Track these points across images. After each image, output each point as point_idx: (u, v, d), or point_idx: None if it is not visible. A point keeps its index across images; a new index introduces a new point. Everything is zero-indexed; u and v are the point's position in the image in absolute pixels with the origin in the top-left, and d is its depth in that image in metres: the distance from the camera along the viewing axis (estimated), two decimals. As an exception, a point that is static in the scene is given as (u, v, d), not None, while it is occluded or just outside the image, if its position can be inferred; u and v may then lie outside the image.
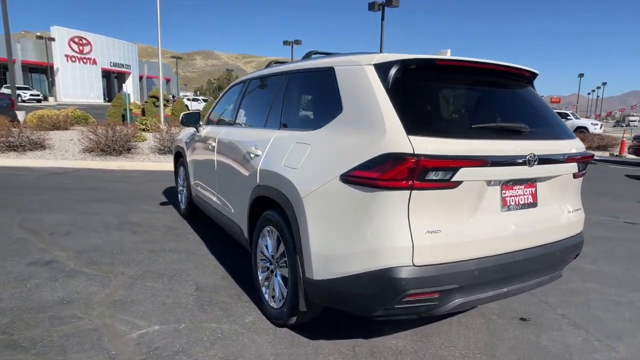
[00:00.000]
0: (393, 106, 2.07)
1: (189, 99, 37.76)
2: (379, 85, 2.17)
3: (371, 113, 2.13)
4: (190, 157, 4.76)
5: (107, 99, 52.02)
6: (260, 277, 3.01)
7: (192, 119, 4.50)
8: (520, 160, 2.17)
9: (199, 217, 5.24)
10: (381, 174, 1.95)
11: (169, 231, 4.75)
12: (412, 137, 1.95)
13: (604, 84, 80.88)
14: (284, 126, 2.88)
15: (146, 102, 23.28)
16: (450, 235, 2.05)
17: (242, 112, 3.70)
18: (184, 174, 5.28)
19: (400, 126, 1.99)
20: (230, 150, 3.51)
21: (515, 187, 2.26)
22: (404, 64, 2.18)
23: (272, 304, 2.81)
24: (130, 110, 18.05)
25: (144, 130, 13.00)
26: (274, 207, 2.77)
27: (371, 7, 22.11)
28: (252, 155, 3.06)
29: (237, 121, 3.74)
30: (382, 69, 2.21)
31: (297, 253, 2.40)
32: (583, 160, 2.53)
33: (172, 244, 4.33)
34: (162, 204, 6.03)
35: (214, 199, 3.98)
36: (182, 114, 4.52)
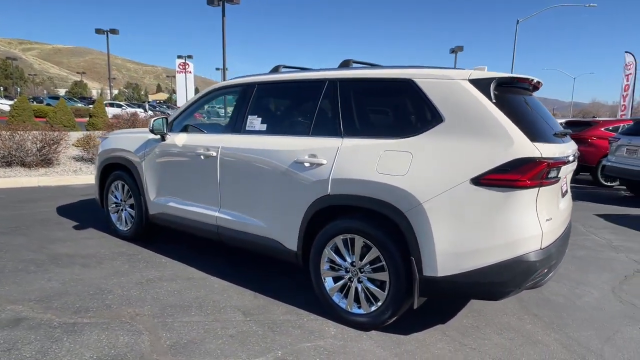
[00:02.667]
0: (507, 117, 2.43)
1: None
2: (484, 99, 2.49)
3: (486, 123, 2.43)
4: (152, 169, 4.10)
5: None
6: (328, 287, 2.97)
7: (162, 126, 3.91)
8: (573, 158, 2.81)
9: (153, 237, 4.55)
10: (522, 175, 2.30)
11: (130, 258, 4.03)
12: (535, 144, 2.36)
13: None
14: (350, 134, 2.89)
15: None
16: (553, 220, 2.55)
17: (255, 119, 3.44)
18: (124, 191, 4.50)
19: (523, 135, 2.37)
20: (256, 161, 3.27)
21: (562, 180, 2.90)
22: (499, 81, 2.56)
23: (359, 310, 2.84)
24: None
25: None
26: (355, 215, 2.81)
27: (210, 1, 21.45)
28: (307, 165, 2.97)
29: (247, 128, 3.46)
30: (480, 84, 2.54)
31: (412, 255, 2.54)
32: None
33: (154, 272, 3.72)
34: (77, 227, 4.95)
35: (215, 214, 3.60)
36: (154, 119, 3.87)
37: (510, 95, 2.67)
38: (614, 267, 4.26)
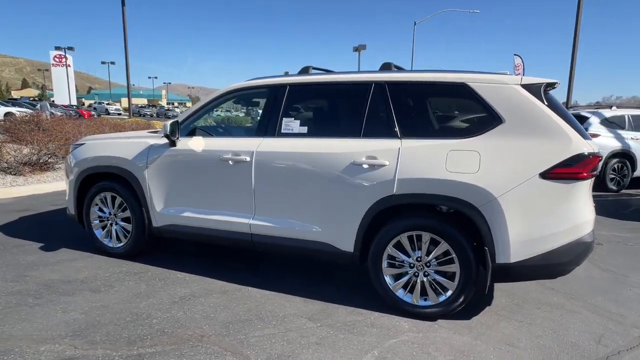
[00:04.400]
0: (561, 118, 2.78)
1: None
2: (539, 102, 2.82)
3: (546, 124, 2.76)
4: (159, 177, 3.71)
5: None
6: (391, 284, 3.07)
7: (174, 131, 3.58)
8: None
9: (153, 252, 4.14)
10: (583, 168, 2.67)
11: (140, 277, 3.64)
12: (587, 142, 2.75)
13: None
14: (408, 135, 3.01)
15: None
16: (594, 206, 2.98)
17: (291, 121, 3.34)
18: (114, 203, 4.01)
19: (577, 133, 2.75)
20: (304, 164, 3.20)
21: None
22: (546, 85, 2.91)
23: (427, 302, 2.99)
24: None
25: None
26: (422, 212, 2.96)
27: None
28: (366, 166, 3.02)
29: (282, 131, 3.36)
30: (531, 89, 2.86)
31: (486, 245, 2.77)
32: None
33: (180, 289, 3.42)
34: (46, 249, 4.27)
35: (249, 222, 3.43)
36: (169, 122, 3.50)
37: (549, 97, 3.04)
38: (574, 241, 5.04)
